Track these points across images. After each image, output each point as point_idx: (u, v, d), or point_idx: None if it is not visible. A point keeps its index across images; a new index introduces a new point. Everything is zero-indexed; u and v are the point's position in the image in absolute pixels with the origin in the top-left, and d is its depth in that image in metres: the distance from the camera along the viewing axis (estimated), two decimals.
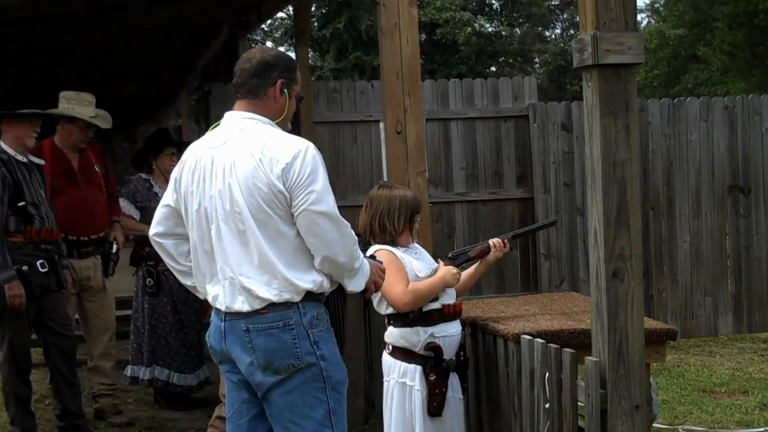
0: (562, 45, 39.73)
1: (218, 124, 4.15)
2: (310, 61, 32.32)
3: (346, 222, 3.91)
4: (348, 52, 31.68)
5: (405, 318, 4.80)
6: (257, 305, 3.89)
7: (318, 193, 3.83)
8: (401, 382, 4.80)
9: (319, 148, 4.09)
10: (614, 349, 4.07)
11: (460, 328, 4.92)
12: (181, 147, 7.58)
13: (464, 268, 5.17)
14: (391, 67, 6.33)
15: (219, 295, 3.99)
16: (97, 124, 7.40)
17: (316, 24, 31.41)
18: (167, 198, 4.20)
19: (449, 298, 4.90)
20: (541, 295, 6.80)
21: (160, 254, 4.32)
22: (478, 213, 10.33)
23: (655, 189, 10.25)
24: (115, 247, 7.56)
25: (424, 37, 31.41)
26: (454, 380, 4.87)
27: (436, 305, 4.82)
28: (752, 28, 24.44)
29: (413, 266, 4.86)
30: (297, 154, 3.84)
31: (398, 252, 4.86)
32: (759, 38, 24.72)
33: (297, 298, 3.88)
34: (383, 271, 4.29)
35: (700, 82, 30.19)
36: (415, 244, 5.05)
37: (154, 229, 4.25)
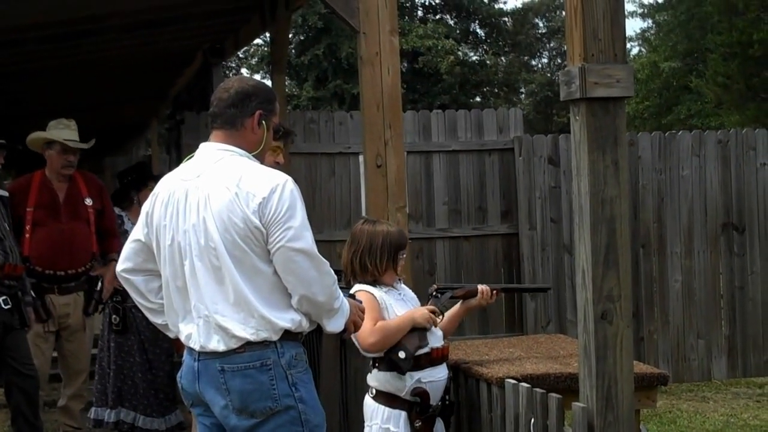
0: (548, 75, 40.01)
1: (192, 156, 4.15)
2: (287, 90, 32.38)
3: (325, 260, 3.92)
4: (327, 80, 31.80)
5: (393, 362, 4.72)
6: (233, 344, 3.87)
7: (296, 230, 3.83)
8: (385, 428, 4.75)
9: (295, 180, 4.11)
10: (602, 394, 4.06)
11: (446, 371, 4.88)
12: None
13: (444, 305, 5.09)
14: (371, 97, 6.36)
15: (193, 333, 3.97)
16: (70, 145, 7.41)
17: (293, 51, 31.55)
18: (137, 232, 4.18)
19: (437, 340, 4.84)
20: (526, 337, 6.79)
21: (129, 291, 4.30)
22: (461, 249, 10.35)
23: (646, 226, 10.30)
24: (99, 284, 7.54)
25: (405, 65, 31.54)
26: (438, 425, 4.84)
27: (425, 350, 4.75)
28: (747, 59, 24.59)
29: (394, 309, 4.80)
30: (274, 189, 3.84)
31: (378, 293, 4.79)
32: (754, 69, 24.89)
33: (275, 337, 3.88)
34: (363, 311, 4.31)
35: (693, 113, 30.39)
36: (401, 284, 5.00)
37: (122, 265, 4.23)
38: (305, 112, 11.28)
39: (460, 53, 35.03)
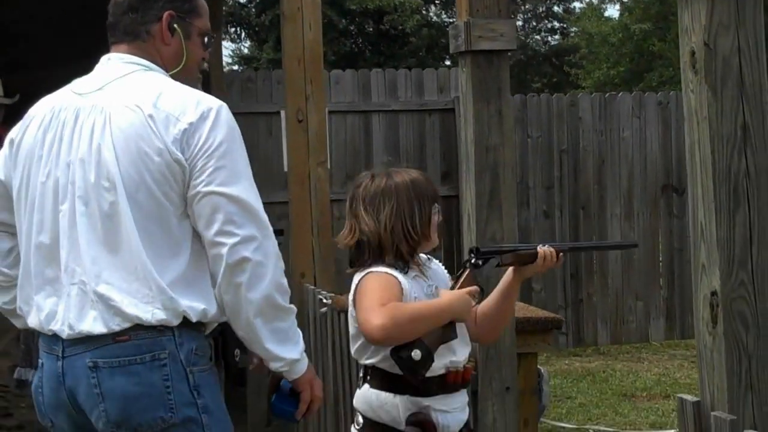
0: (523, 38, 40.44)
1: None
2: (247, 51, 32.60)
3: (269, 224, 3.08)
4: None
5: (391, 377, 3.39)
6: (115, 325, 2.96)
7: (231, 171, 2.99)
8: None
9: None
10: None
11: (466, 398, 3.55)
12: None
13: (486, 277, 3.68)
14: (292, 53, 6.80)
15: (58, 311, 3.05)
16: None
17: (253, 10, 31.82)
18: None
19: (460, 357, 3.48)
20: None
21: None
22: None
23: (586, 188, 10.79)
24: None
25: (371, 27, 31.90)
26: None
27: (438, 369, 3.38)
28: None
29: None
30: (206, 114, 3.01)
31: (401, 277, 3.39)
32: None
33: (175, 322, 2.98)
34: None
35: (665, 80, 30.93)
36: (432, 262, 3.62)
37: None
38: (243, 71, 11.67)
39: (429, 15, 35.36)
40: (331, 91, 10.20)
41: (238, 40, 33.18)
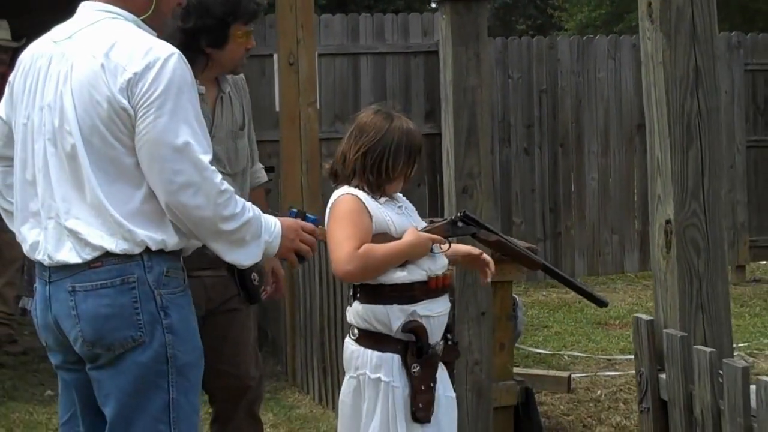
0: None
1: None
2: None
3: (210, 166, 3.15)
4: None
5: (377, 291, 3.78)
6: (88, 255, 3.15)
7: (170, 119, 3.09)
8: (374, 378, 3.80)
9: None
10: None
11: (448, 305, 3.95)
12: None
13: (456, 239, 4.12)
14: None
15: (40, 241, 3.26)
16: (1, 44, 7.89)
17: None
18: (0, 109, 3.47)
19: (438, 266, 3.86)
20: None
21: None
22: None
23: (564, 126, 11.01)
24: None
25: None
26: (442, 374, 3.94)
27: (420, 277, 3.79)
28: None
29: (393, 222, 3.82)
30: (152, 64, 3.10)
31: (369, 201, 3.79)
32: None
33: (137, 250, 3.15)
34: (312, 233, 3.45)
35: None
36: (401, 195, 3.99)
37: None
38: None
39: None
40: (320, 34, 10.36)
41: None
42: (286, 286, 5.37)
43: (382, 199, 3.79)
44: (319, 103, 9.49)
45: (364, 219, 3.71)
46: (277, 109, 7.55)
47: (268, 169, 8.63)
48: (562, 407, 6.62)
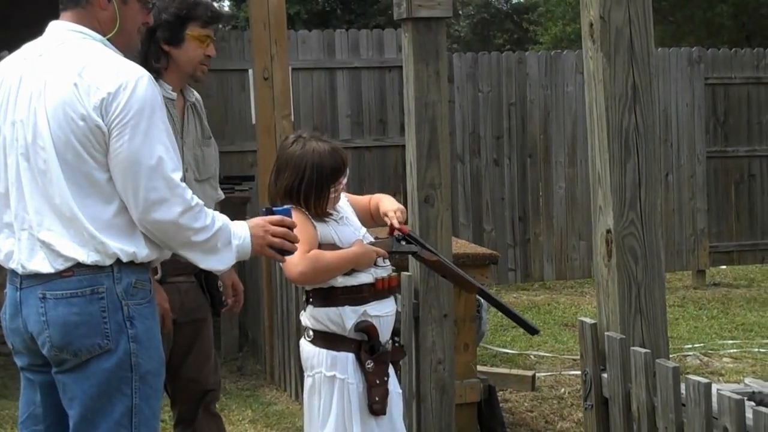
0: None
1: None
2: (227, 9, 32.58)
3: (181, 183, 3.22)
4: None
5: (329, 295, 3.97)
6: (60, 265, 3.20)
7: (142, 139, 3.16)
8: (330, 376, 3.97)
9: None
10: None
11: (394, 306, 4.12)
12: None
13: (398, 256, 4.30)
14: (258, 16, 7.11)
15: (14, 251, 3.28)
16: None
17: None
18: None
19: (383, 270, 4.06)
20: None
21: None
22: (363, 159, 11.09)
23: (533, 138, 11.12)
24: None
25: None
26: (391, 371, 4.10)
27: (367, 279, 3.98)
28: None
29: (337, 234, 4.01)
30: (125, 84, 3.16)
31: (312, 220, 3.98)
32: None
33: (108, 262, 3.21)
34: (282, 223, 3.45)
35: None
36: (340, 206, 4.11)
37: None
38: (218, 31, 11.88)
39: None
40: (298, 50, 10.48)
41: None
42: (266, 291, 5.41)
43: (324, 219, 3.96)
44: (297, 115, 9.60)
45: (309, 229, 3.88)
46: (254, 121, 7.64)
47: (249, 178, 8.77)
48: (526, 404, 6.74)
